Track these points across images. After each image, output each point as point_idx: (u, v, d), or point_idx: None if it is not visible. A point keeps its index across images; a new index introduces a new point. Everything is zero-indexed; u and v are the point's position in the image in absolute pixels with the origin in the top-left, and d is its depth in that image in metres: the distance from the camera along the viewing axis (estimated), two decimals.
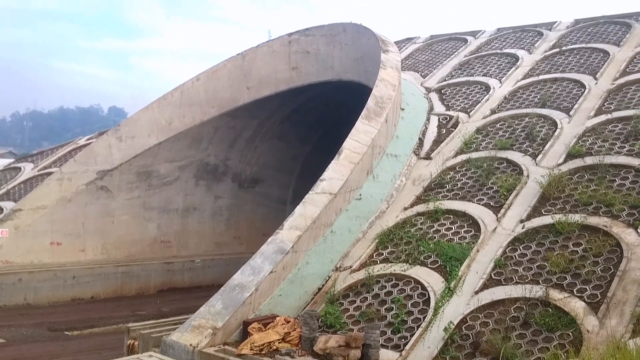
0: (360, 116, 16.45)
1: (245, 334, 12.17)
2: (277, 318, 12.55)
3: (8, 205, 25.80)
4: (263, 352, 11.55)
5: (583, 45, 23.25)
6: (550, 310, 11.22)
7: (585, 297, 11.34)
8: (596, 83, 19.68)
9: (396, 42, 24.85)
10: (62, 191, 22.87)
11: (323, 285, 14.14)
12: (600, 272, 11.83)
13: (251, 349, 11.53)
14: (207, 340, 11.79)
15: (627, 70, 19.96)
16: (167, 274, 24.62)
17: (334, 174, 14.97)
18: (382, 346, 11.49)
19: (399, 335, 11.86)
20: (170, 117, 23.87)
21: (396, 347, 11.55)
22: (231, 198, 27.67)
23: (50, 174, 26.02)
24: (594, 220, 13.23)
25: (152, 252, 24.94)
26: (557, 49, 23.50)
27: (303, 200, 14.40)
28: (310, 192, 14.57)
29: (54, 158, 31.75)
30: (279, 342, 11.79)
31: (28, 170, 31.12)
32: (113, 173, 23.49)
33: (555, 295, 11.50)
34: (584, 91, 19.32)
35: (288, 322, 12.42)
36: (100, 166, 23.30)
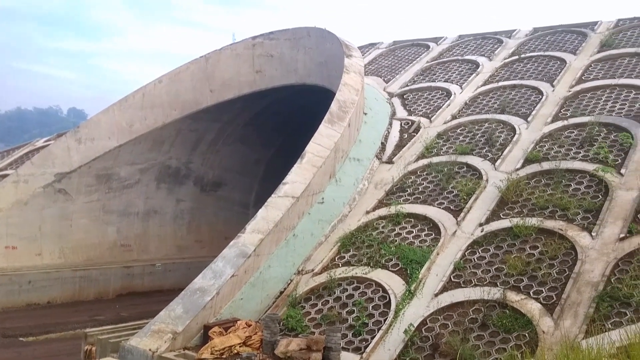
0: (323, 120, 16.54)
1: (206, 338, 12.10)
2: (239, 322, 12.52)
3: None
4: (224, 356, 11.51)
5: (541, 53, 23.81)
6: (507, 311, 11.45)
7: (541, 299, 11.62)
8: (553, 90, 20.18)
9: (359, 47, 25.06)
10: (18, 194, 22.37)
11: (285, 289, 14.16)
12: (555, 275, 12.14)
13: (212, 353, 11.48)
14: (167, 345, 11.69)
15: (582, 78, 20.51)
16: (126, 278, 24.28)
17: (297, 177, 15.02)
18: (343, 349, 11.56)
19: (360, 337, 11.95)
20: (132, 119, 23.58)
21: (357, 350, 11.64)
22: (193, 201, 27.46)
23: (5, 176, 25.42)
24: (550, 224, 13.56)
25: (111, 256, 24.56)
26: (516, 57, 24.01)
27: (265, 203, 14.41)
28: (272, 195, 14.59)
29: (10, 160, 31.05)
30: (240, 346, 11.76)
31: None
32: (72, 176, 23.09)
33: (513, 297, 11.75)
34: (541, 98, 19.79)
35: (249, 325, 12.40)
36: (59, 169, 22.87)
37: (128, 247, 25.13)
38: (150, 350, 11.56)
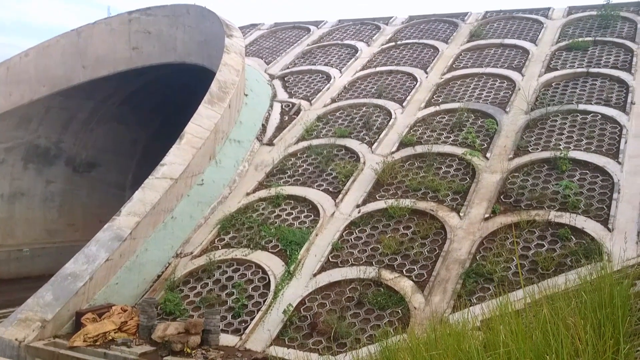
0: (203, 101, 16.20)
1: (78, 326, 11.60)
2: (114, 307, 12.10)
3: None
4: (98, 342, 11.10)
5: (416, 40, 24.65)
6: (382, 290, 11.88)
7: (413, 277, 12.14)
8: (427, 77, 20.99)
9: (241, 28, 24.74)
10: None
11: (163, 272, 13.85)
12: (427, 253, 12.72)
13: (84, 341, 11.03)
14: (36, 334, 11.10)
15: (453, 66, 21.49)
16: None
17: (176, 158, 14.64)
18: (223, 331, 11.52)
19: (239, 319, 11.93)
20: None
21: (237, 332, 11.62)
22: (65, 183, 25.99)
23: None
24: (422, 205, 14.17)
25: None
26: (393, 43, 24.71)
27: (142, 185, 13.95)
28: (150, 176, 14.14)
29: None
30: (114, 332, 11.39)
31: None
32: None
33: (387, 275, 12.19)
34: (416, 84, 20.53)
35: (125, 311, 12.03)
36: None
37: None
38: (16, 339, 10.93)
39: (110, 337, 11.28)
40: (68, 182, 26.05)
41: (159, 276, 13.76)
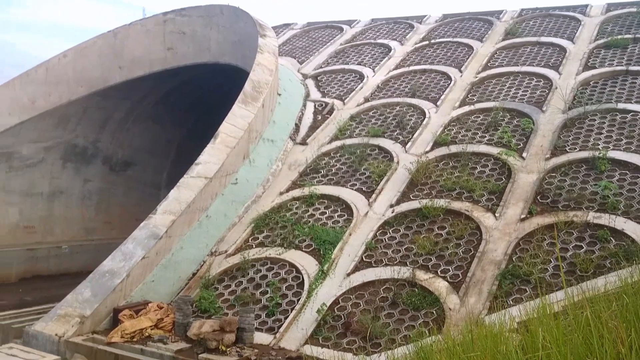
0: (237, 100, 16.30)
1: (115, 322, 11.78)
2: (150, 304, 12.26)
3: None
4: (135, 339, 11.26)
5: (450, 39, 24.45)
6: (416, 290, 11.81)
7: (448, 277, 12.05)
8: (461, 75, 20.80)
9: (274, 28, 24.85)
10: None
11: (198, 270, 13.98)
12: (461, 254, 12.60)
13: (122, 337, 11.20)
14: (75, 329, 11.32)
15: (488, 64, 21.25)
16: (30, 261, 23.15)
17: (210, 157, 14.77)
18: (257, 329, 11.58)
19: (273, 318, 11.99)
20: (34, 95, 22.36)
21: (270, 330, 11.68)
22: (102, 182, 26.45)
23: None
24: (457, 205, 14.04)
25: (13, 238, 23.31)
26: (427, 42, 24.55)
27: (178, 184, 14.11)
28: (185, 176, 14.30)
29: None
30: (151, 329, 11.54)
31: None
32: None
33: (421, 275, 12.12)
34: (450, 83, 20.36)
35: (161, 308, 12.18)
36: None
37: (32, 229, 23.92)
38: (56, 335, 11.15)
39: (146, 334, 11.44)
40: (105, 181, 26.53)
41: (194, 274, 13.90)
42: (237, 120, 15.84)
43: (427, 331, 10.32)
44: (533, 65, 20.35)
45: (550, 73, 19.36)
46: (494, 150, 15.85)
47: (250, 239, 14.71)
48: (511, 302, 11.01)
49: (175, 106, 26.62)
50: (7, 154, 22.69)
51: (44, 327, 11.43)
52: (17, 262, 22.89)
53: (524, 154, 15.44)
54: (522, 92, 18.73)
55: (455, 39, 24.28)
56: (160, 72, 23.12)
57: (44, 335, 11.24)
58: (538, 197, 13.75)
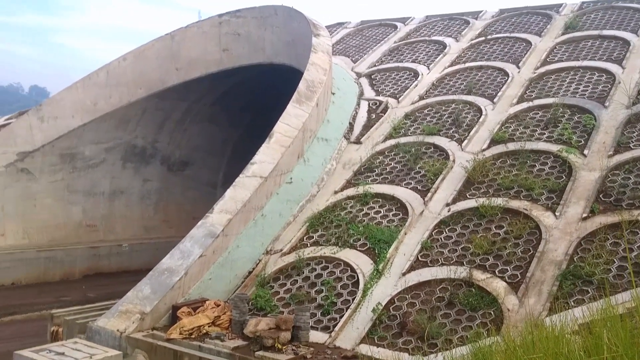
0: (291, 100, 16.41)
1: (174, 319, 12.02)
2: (207, 302, 12.46)
3: None
4: (193, 336, 11.46)
5: (507, 34, 23.96)
6: (473, 290, 11.61)
7: (506, 278, 11.80)
8: (519, 71, 20.35)
9: (327, 27, 24.88)
10: None
11: (254, 269, 14.12)
12: (520, 254, 12.32)
13: (180, 333, 11.42)
14: (135, 326, 11.60)
15: (547, 59, 20.72)
16: (93, 259, 23.94)
17: (265, 157, 14.91)
18: (312, 328, 11.61)
19: (328, 317, 12.00)
20: (96, 97, 23.11)
21: (326, 329, 11.69)
22: (160, 181, 27.12)
23: None
24: (515, 204, 13.74)
25: (77, 236, 24.17)
26: (483, 38, 24.13)
27: (234, 183, 14.30)
28: (240, 175, 14.47)
29: None
30: (208, 326, 11.72)
31: None
32: (35, 155, 22.56)
33: (479, 275, 11.91)
34: (507, 79, 19.94)
35: (218, 305, 12.35)
36: (21, 147, 22.32)
37: (94, 228, 24.74)
38: (118, 330, 11.46)
39: (204, 331, 11.63)
40: (163, 181, 27.18)
41: (249, 272, 14.06)
42: (291, 119, 15.94)
43: (485, 332, 10.15)
44: (595, 60, 19.73)
45: (612, 67, 18.72)
46: (553, 148, 15.43)
47: (305, 238, 14.77)
48: (572, 303, 10.69)
49: (230, 106, 27.02)
50: (71, 155, 23.52)
51: (106, 323, 11.76)
52: (81, 259, 23.71)
53: (586, 151, 14.98)
54: (583, 87, 18.18)
55: (512, 34, 23.78)
56: (216, 73, 23.52)
57: (106, 331, 11.58)
58: (600, 196, 13.32)
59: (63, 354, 10.36)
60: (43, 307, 18.50)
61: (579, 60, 19.99)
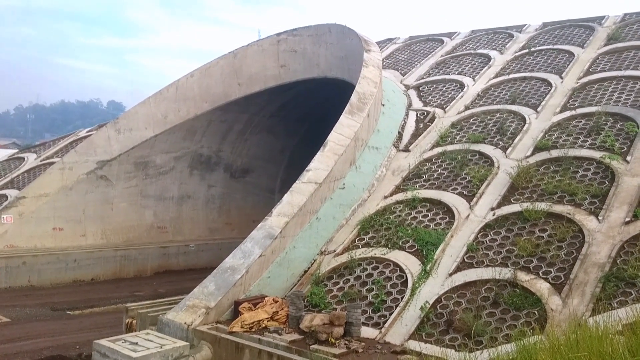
0: (344, 111, 16.45)
1: (236, 313, 12.18)
2: (266, 298, 12.58)
3: (12, 193, 25.53)
4: (253, 329, 11.59)
5: (550, 46, 23.38)
6: (517, 290, 11.34)
7: (549, 279, 11.48)
8: (562, 82, 19.82)
9: (377, 42, 24.84)
10: (64, 180, 22.70)
11: (309, 268, 14.18)
12: (563, 256, 11.97)
13: (242, 327, 11.56)
14: (201, 319, 11.80)
15: (590, 70, 20.12)
16: (163, 258, 24.59)
17: (319, 164, 14.98)
18: (363, 324, 11.57)
19: (379, 314, 11.93)
20: (166, 111, 23.74)
21: (376, 325, 11.63)
22: (223, 187, 27.62)
23: (52, 163, 25.77)
24: (558, 209, 13.37)
25: (148, 237, 24.85)
26: (527, 50, 23.61)
27: (290, 189, 14.41)
28: (297, 181, 14.58)
29: (55, 149, 31.42)
30: (267, 321, 11.82)
31: (31, 160, 30.77)
32: (112, 163, 23.35)
33: (523, 277, 11.63)
34: (550, 89, 19.45)
35: (276, 302, 12.45)
36: (100, 157, 23.14)
37: (164, 229, 25.39)
38: (185, 323, 11.68)
39: (263, 325, 11.74)
40: (226, 187, 27.66)
41: (305, 271, 14.12)
42: (344, 129, 15.98)
43: (529, 331, 9.89)
44: (637, 69, 19.01)
45: None
46: (596, 154, 14.95)
47: (356, 240, 14.74)
48: (615, 304, 10.30)
49: (287, 117, 27.30)
50: (144, 163, 24.19)
51: (175, 316, 12.01)
52: (152, 258, 24.36)
53: (628, 158, 14.45)
54: (626, 96, 17.56)
55: (555, 46, 23.18)
56: (274, 87, 23.82)
57: (174, 324, 11.83)
58: None
59: (137, 343, 10.65)
60: (119, 300, 19.10)
61: (621, 70, 19.31)
